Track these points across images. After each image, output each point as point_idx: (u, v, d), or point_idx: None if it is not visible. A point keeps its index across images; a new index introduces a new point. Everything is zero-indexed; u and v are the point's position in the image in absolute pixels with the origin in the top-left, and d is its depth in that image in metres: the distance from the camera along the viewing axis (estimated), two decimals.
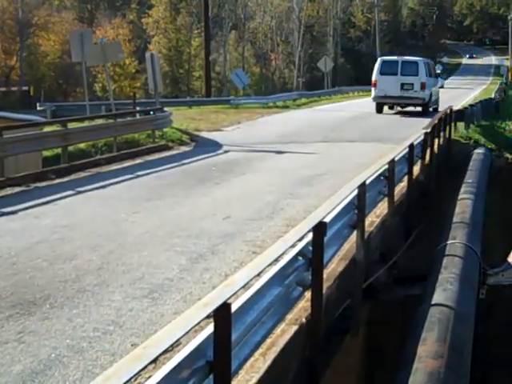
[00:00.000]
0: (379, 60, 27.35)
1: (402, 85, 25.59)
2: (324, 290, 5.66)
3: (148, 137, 18.81)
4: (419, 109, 26.21)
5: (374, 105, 26.94)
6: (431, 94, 26.65)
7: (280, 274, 5.05)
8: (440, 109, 25.33)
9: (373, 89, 26.50)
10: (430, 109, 26.37)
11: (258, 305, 4.60)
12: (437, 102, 28.19)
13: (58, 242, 8.18)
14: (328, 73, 54.59)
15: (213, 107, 34.85)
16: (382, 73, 26.05)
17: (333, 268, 6.72)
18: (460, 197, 12.69)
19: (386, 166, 9.09)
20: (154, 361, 3.16)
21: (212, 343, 3.67)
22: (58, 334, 5.38)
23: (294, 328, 5.28)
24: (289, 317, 5.39)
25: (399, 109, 27.08)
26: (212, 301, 3.65)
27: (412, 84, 25.52)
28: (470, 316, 7.31)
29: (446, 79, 66.32)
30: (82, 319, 5.67)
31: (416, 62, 26.61)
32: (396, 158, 9.57)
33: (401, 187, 10.82)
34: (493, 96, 37.69)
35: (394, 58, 28.06)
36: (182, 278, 6.73)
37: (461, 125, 22.56)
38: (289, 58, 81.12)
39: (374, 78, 26.34)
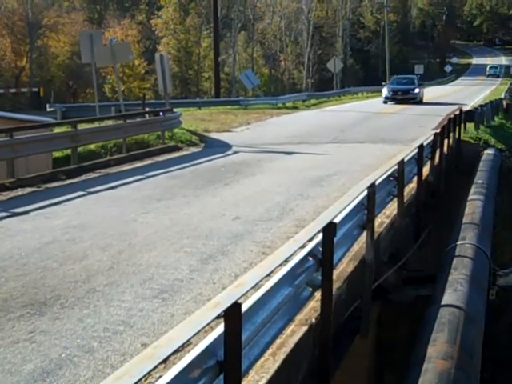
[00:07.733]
0: (488, 66, 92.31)
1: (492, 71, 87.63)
2: (334, 291, 5.65)
3: (157, 138, 18.85)
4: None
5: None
6: (503, 71, 73.24)
7: (290, 274, 5.05)
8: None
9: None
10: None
11: (268, 305, 4.60)
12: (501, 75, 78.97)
13: (68, 242, 8.22)
14: (337, 73, 54.48)
15: (222, 108, 34.87)
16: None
17: (342, 268, 6.72)
18: (470, 197, 12.65)
19: (396, 167, 9.08)
20: (165, 361, 3.17)
21: (222, 343, 3.67)
22: (68, 334, 5.41)
23: (304, 328, 5.28)
24: (298, 317, 5.39)
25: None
26: (222, 301, 3.64)
27: (497, 69, 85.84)
28: (480, 317, 7.29)
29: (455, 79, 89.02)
30: (93, 319, 5.70)
31: (497, 67, 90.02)
32: (405, 159, 9.55)
33: (410, 188, 10.81)
34: (503, 96, 37.55)
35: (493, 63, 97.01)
36: (191, 278, 6.74)
37: (470, 125, 22.50)
38: (298, 59, 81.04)
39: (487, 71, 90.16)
